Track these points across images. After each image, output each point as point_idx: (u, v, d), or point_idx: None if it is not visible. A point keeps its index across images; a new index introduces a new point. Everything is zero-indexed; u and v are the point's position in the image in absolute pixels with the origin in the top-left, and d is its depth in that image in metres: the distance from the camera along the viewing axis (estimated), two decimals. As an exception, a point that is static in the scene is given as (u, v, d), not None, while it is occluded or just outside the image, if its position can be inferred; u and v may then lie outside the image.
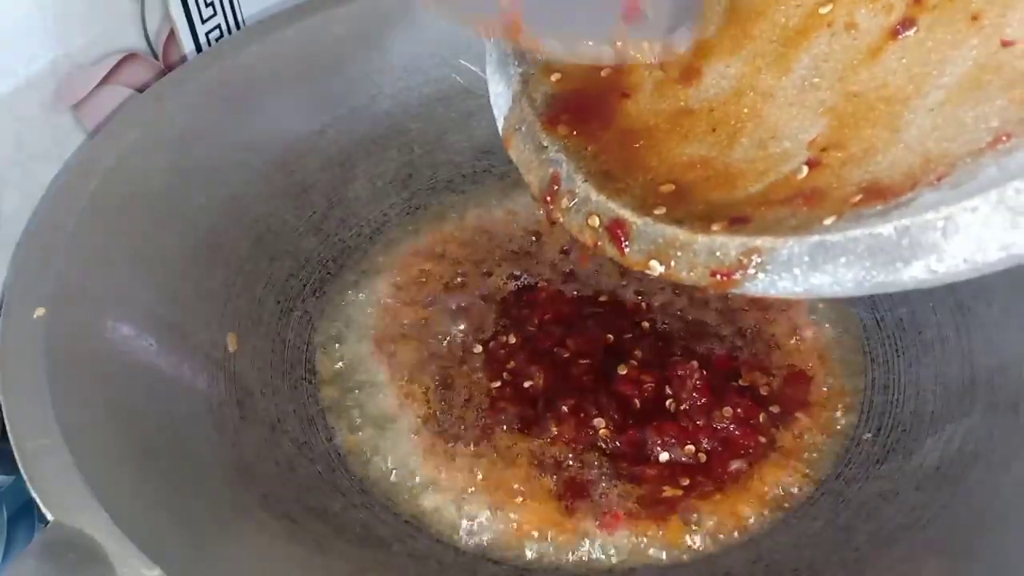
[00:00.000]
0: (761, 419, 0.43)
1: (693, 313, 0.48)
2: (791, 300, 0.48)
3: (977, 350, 0.42)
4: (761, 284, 0.29)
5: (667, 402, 0.43)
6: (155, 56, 0.48)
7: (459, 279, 0.50)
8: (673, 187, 0.31)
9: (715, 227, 0.29)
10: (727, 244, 0.29)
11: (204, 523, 0.36)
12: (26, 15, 0.41)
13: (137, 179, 0.43)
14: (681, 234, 0.30)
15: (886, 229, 0.26)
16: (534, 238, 0.52)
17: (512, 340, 0.47)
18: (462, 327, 0.48)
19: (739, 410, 0.43)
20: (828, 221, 0.27)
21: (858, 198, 0.27)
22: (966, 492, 0.37)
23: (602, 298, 0.49)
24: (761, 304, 0.48)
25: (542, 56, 0.36)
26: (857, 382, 0.45)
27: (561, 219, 0.33)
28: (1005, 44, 0.28)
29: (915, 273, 0.26)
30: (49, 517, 0.32)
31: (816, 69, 0.31)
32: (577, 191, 0.33)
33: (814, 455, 0.43)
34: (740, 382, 0.45)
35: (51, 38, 0.42)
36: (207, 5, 0.50)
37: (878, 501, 0.40)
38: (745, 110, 0.32)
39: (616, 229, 0.31)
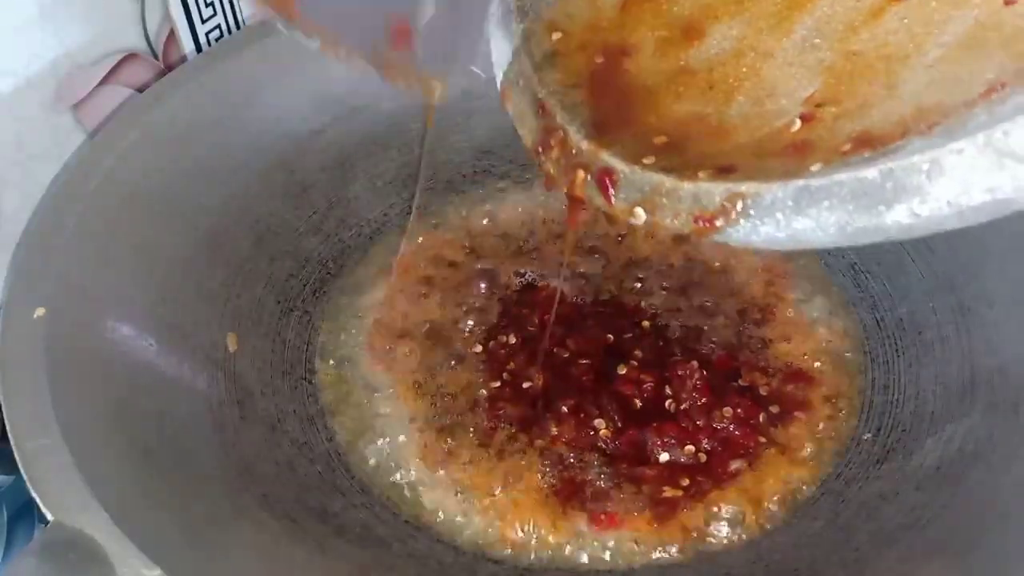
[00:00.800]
0: (761, 419, 0.43)
1: (693, 313, 0.48)
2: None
3: (977, 350, 0.42)
4: (743, 231, 0.29)
5: (667, 402, 0.43)
6: (155, 56, 0.48)
7: (459, 279, 0.50)
8: (665, 139, 0.31)
9: (701, 175, 0.29)
10: (712, 190, 0.29)
11: (204, 523, 0.36)
12: (26, 15, 0.41)
13: (137, 179, 0.43)
14: (668, 181, 0.30)
15: (871, 172, 0.26)
16: (534, 237, 0.52)
17: (512, 340, 0.47)
18: (462, 327, 0.48)
19: (739, 410, 0.43)
20: (815, 167, 0.27)
21: (848, 147, 0.27)
22: (966, 492, 0.37)
23: (602, 298, 0.49)
24: (762, 304, 0.48)
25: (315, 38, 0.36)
26: (857, 382, 0.45)
27: (551, 170, 0.33)
28: (1008, 3, 0.28)
29: (898, 216, 0.26)
30: (49, 517, 0.32)
31: (818, 31, 0.31)
32: (569, 142, 0.33)
33: (814, 455, 0.43)
34: (740, 382, 0.45)
35: (51, 38, 0.42)
36: (207, 5, 0.50)
37: (878, 501, 0.40)
38: (744, 69, 0.32)
39: (604, 177, 0.31)
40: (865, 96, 0.29)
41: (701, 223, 0.29)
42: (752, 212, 0.28)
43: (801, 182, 0.27)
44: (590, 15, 0.36)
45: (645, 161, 0.31)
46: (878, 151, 0.27)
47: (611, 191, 0.31)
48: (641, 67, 0.34)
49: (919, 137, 0.26)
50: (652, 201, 0.30)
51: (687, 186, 0.29)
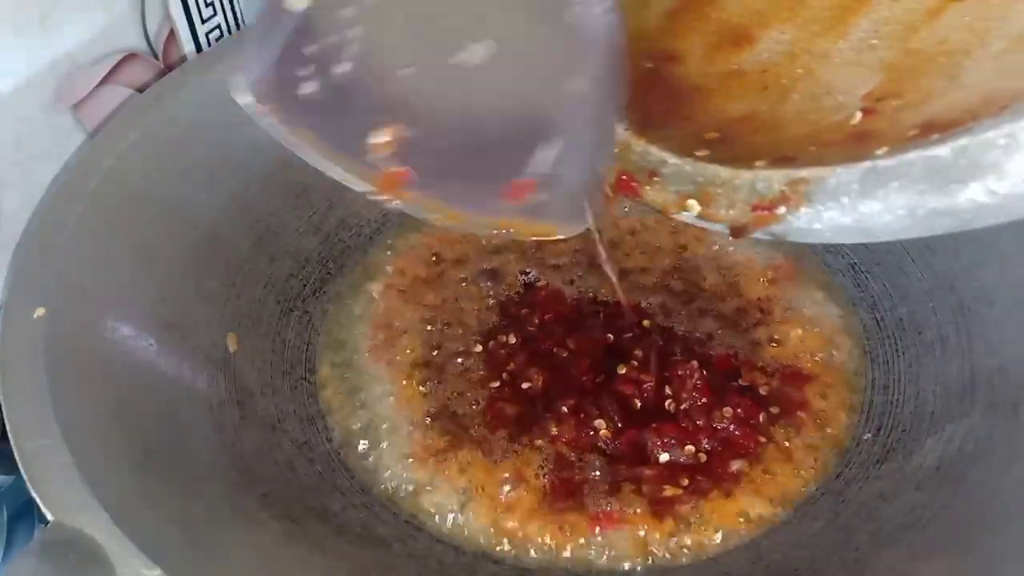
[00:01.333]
0: (761, 419, 0.43)
1: (694, 313, 0.48)
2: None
3: (977, 350, 0.42)
4: (805, 218, 0.28)
5: (667, 402, 0.43)
6: (155, 56, 0.48)
7: (459, 278, 0.50)
8: (716, 135, 0.31)
9: (759, 163, 0.29)
10: (771, 177, 0.28)
11: (204, 523, 0.36)
12: (26, 15, 0.41)
13: (137, 179, 0.43)
14: (723, 171, 0.29)
15: (943, 150, 0.25)
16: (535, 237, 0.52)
17: (512, 340, 0.46)
18: (462, 327, 0.48)
19: (739, 410, 0.43)
20: (881, 151, 0.27)
21: (914, 132, 0.27)
22: (966, 492, 0.37)
23: (602, 298, 0.49)
24: (762, 304, 0.48)
25: (425, 216, 0.36)
26: (857, 382, 0.45)
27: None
28: None
29: (973, 195, 0.25)
30: (49, 517, 0.32)
31: (875, 32, 0.31)
32: (618, 138, 0.32)
33: (814, 455, 0.43)
34: (740, 382, 0.45)
35: (51, 38, 0.42)
36: (207, 5, 0.50)
37: (878, 501, 0.40)
38: (799, 70, 0.31)
39: (627, 182, 0.31)
40: (928, 89, 0.28)
41: (760, 211, 0.28)
42: (815, 197, 0.27)
43: (868, 163, 0.26)
44: (638, 23, 0.35)
45: (698, 154, 0.30)
46: (947, 133, 0.26)
47: (636, 186, 0.31)
48: (690, 70, 0.34)
49: (989, 119, 0.25)
50: (706, 192, 0.30)
51: (744, 174, 0.29)
